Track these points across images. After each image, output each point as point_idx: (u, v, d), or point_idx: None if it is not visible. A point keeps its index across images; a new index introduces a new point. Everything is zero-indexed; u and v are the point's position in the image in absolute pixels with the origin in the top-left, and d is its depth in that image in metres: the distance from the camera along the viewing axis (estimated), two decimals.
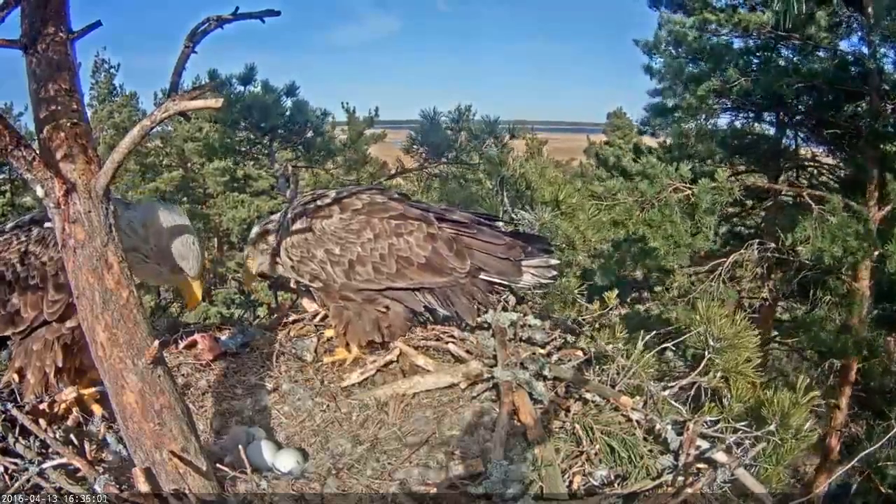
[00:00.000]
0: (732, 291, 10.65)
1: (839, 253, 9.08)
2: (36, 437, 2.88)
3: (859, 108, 10.05)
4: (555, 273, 3.83)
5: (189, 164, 21.32)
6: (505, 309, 4.18)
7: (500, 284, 3.79)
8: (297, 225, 3.69)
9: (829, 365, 10.70)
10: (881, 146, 9.57)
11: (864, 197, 9.81)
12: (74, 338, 3.10)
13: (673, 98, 10.94)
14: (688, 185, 10.31)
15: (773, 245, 10.58)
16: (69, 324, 3.08)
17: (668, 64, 11.05)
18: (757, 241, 10.87)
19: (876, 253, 9.34)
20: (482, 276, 3.67)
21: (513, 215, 5.30)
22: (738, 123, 11.63)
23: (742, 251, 10.78)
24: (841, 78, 9.60)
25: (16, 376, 3.16)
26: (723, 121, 11.53)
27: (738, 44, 10.77)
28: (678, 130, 11.22)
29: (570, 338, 4.01)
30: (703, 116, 10.83)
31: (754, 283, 11.55)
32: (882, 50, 9.42)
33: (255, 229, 3.95)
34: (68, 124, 2.37)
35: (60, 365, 3.14)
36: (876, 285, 10.05)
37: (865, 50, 9.66)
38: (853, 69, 9.73)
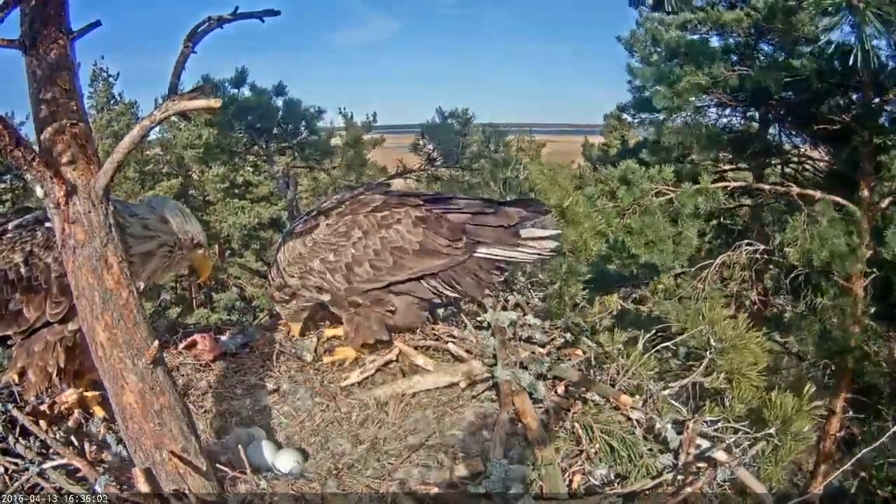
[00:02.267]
0: (718, 293, 10.57)
1: (827, 257, 9.01)
2: (36, 437, 2.88)
3: (843, 102, 9.93)
4: (555, 244, 3.75)
5: (188, 172, 21.34)
6: (505, 309, 4.18)
7: (502, 260, 3.71)
8: (290, 244, 3.72)
9: (824, 365, 10.67)
10: (873, 140, 9.46)
11: (856, 193, 9.70)
12: (76, 340, 3.09)
13: (653, 95, 10.90)
14: (671, 188, 10.22)
15: (762, 246, 10.53)
16: (71, 326, 3.08)
17: (647, 62, 11.02)
18: (745, 241, 10.81)
19: (869, 253, 9.28)
20: (481, 250, 3.62)
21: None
22: (723, 121, 11.58)
23: (730, 252, 10.72)
24: (829, 71, 9.51)
25: (16, 377, 3.16)
26: (707, 118, 11.46)
27: (717, 42, 10.73)
28: (662, 129, 11.16)
29: (569, 337, 4.01)
30: (686, 114, 10.75)
31: (745, 283, 11.52)
32: (875, 42, 9.33)
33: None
34: (68, 124, 2.38)
35: (63, 366, 3.14)
36: (870, 285, 10.00)
37: (854, 40, 9.52)
38: (842, 61, 9.60)
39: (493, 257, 3.66)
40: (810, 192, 10.07)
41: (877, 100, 9.31)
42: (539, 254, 3.71)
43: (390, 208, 3.60)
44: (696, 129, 10.74)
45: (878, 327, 9.92)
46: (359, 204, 3.65)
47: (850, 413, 10.36)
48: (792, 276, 10.19)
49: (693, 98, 10.29)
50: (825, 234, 9.00)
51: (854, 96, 9.74)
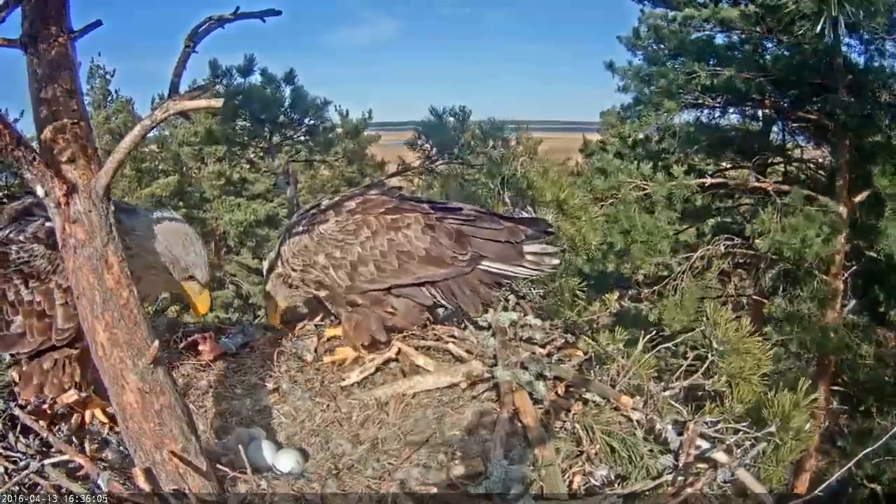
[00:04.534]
0: (694, 287, 10.59)
1: (797, 246, 9.03)
2: (36, 435, 2.88)
3: (822, 101, 9.92)
4: (556, 262, 3.79)
5: (185, 169, 21.27)
6: (505, 309, 4.18)
7: (503, 275, 3.75)
8: (296, 235, 3.70)
9: (808, 360, 10.72)
10: (849, 137, 9.52)
11: (833, 189, 9.76)
12: (83, 356, 2.97)
13: (647, 94, 10.92)
14: (647, 183, 10.28)
15: (740, 240, 10.58)
16: (79, 345, 2.97)
17: (648, 58, 11.05)
18: (724, 236, 10.88)
19: (846, 246, 9.32)
20: (484, 263, 3.65)
21: (513, 215, 5.30)
22: (704, 119, 11.60)
23: (709, 247, 10.81)
24: (808, 69, 9.54)
25: (22, 385, 3.08)
26: (704, 116, 11.49)
27: (720, 39, 10.74)
28: (650, 124, 11.18)
29: (570, 338, 4.01)
30: (681, 111, 10.79)
31: (724, 277, 11.58)
32: (846, 40, 9.36)
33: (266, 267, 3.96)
34: (69, 124, 2.38)
35: (78, 380, 3.06)
36: (852, 279, 10.03)
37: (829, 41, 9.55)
38: (820, 61, 9.62)
39: (495, 271, 3.69)
40: (785, 187, 10.15)
41: (849, 96, 9.34)
42: (540, 270, 3.77)
43: (401, 212, 3.61)
44: (680, 127, 10.80)
45: (860, 321, 9.95)
46: (370, 204, 3.65)
47: (835, 405, 10.40)
48: (775, 270, 10.25)
49: (679, 97, 10.35)
50: (796, 224, 9.04)
51: (834, 95, 9.78)
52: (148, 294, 3.08)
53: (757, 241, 9.57)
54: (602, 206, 10.24)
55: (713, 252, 10.80)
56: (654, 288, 10.68)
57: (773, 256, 9.65)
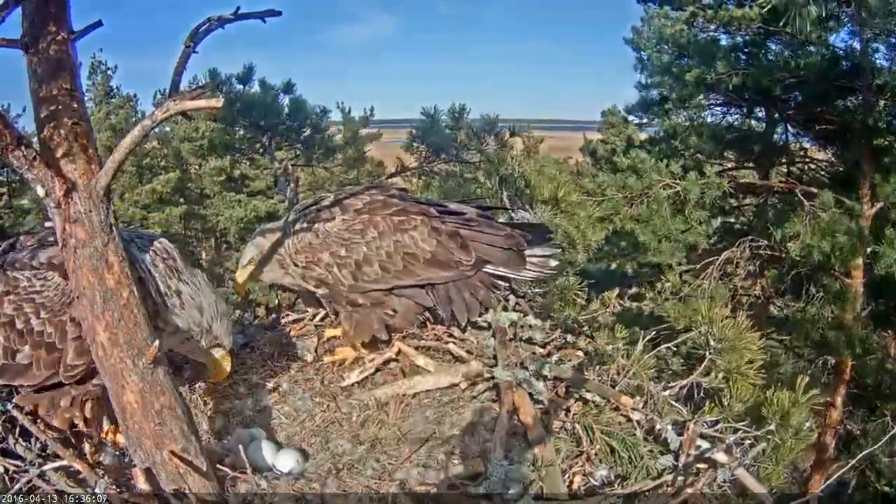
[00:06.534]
0: (723, 289, 10.55)
1: (828, 249, 9.04)
2: (36, 438, 2.87)
3: (850, 104, 9.89)
4: (557, 264, 3.84)
5: (186, 166, 21.24)
6: (505, 309, 4.19)
7: (505, 278, 3.79)
8: (300, 231, 3.68)
9: (824, 362, 10.69)
10: (873, 142, 9.48)
11: (857, 193, 9.71)
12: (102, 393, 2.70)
13: (661, 92, 10.89)
14: (677, 182, 10.25)
15: (765, 242, 10.55)
16: (94, 381, 2.80)
17: (654, 59, 11.03)
18: (749, 238, 10.84)
19: (868, 250, 9.30)
20: (487, 268, 3.68)
21: (512, 214, 5.30)
22: (728, 119, 11.53)
23: (734, 249, 10.77)
24: (831, 73, 9.50)
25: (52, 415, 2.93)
26: (713, 116, 11.48)
27: (725, 40, 10.71)
28: (667, 125, 11.16)
29: (570, 338, 4.02)
30: (693, 111, 10.79)
31: (748, 280, 11.52)
32: (874, 45, 9.33)
33: (254, 239, 3.86)
34: (69, 124, 2.37)
35: (90, 416, 2.93)
36: (869, 282, 10.02)
37: (857, 45, 9.50)
38: (844, 64, 9.57)
39: (497, 273, 3.72)
40: (814, 189, 10.10)
41: (875, 100, 9.30)
42: (541, 273, 3.81)
43: (408, 214, 3.62)
44: (700, 127, 10.76)
45: (874, 326, 9.93)
46: (377, 204, 3.65)
47: (850, 409, 10.38)
48: (793, 273, 10.22)
49: (700, 96, 10.31)
50: (827, 228, 9.03)
51: (854, 99, 9.72)
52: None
53: (788, 244, 9.55)
54: (633, 204, 10.20)
55: (738, 254, 10.76)
56: (680, 295, 10.60)
57: (798, 259, 9.61)
